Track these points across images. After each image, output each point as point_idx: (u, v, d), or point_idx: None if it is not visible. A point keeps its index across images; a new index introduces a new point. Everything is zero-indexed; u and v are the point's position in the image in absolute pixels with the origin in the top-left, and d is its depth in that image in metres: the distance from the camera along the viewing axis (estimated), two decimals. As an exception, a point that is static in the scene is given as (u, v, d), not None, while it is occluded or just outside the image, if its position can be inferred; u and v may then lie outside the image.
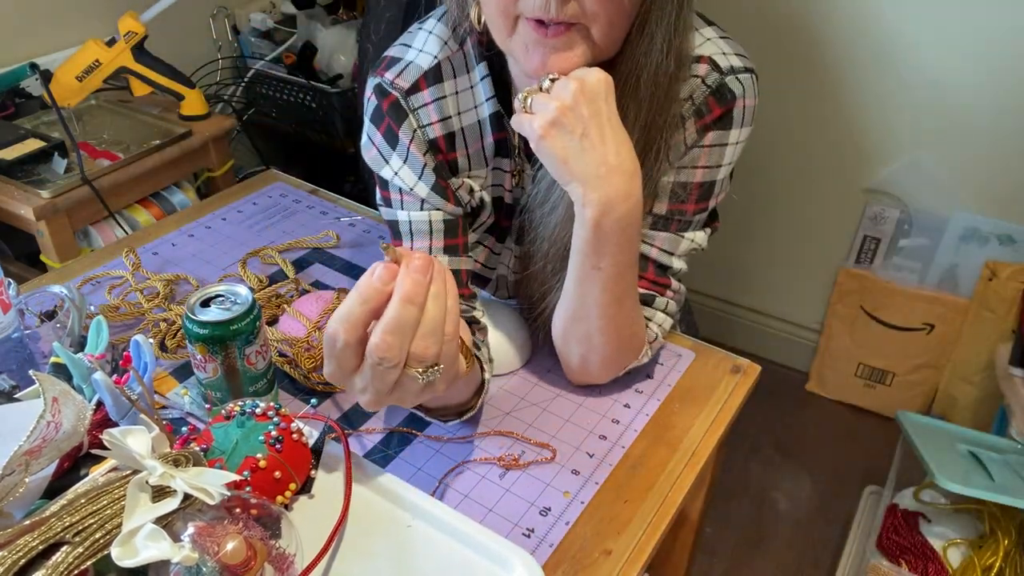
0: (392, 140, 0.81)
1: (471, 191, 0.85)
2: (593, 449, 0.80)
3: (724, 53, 0.77)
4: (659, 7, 0.69)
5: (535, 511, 0.73)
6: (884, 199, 1.85)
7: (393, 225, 0.85)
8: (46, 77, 1.47)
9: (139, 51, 1.53)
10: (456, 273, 0.83)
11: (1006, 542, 1.35)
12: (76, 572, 0.50)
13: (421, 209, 0.82)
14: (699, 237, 0.85)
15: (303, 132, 1.96)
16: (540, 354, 0.92)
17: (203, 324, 0.72)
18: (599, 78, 0.68)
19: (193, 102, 1.59)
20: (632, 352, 0.84)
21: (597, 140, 0.69)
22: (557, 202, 0.79)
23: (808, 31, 1.73)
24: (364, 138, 0.84)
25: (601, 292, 0.76)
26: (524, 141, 0.79)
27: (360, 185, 1.99)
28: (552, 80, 0.69)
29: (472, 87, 0.81)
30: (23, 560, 0.49)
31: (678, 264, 0.85)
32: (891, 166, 1.81)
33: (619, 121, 0.70)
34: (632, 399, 0.87)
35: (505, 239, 0.92)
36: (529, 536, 0.71)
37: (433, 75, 0.80)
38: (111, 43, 1.50)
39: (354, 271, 1.04)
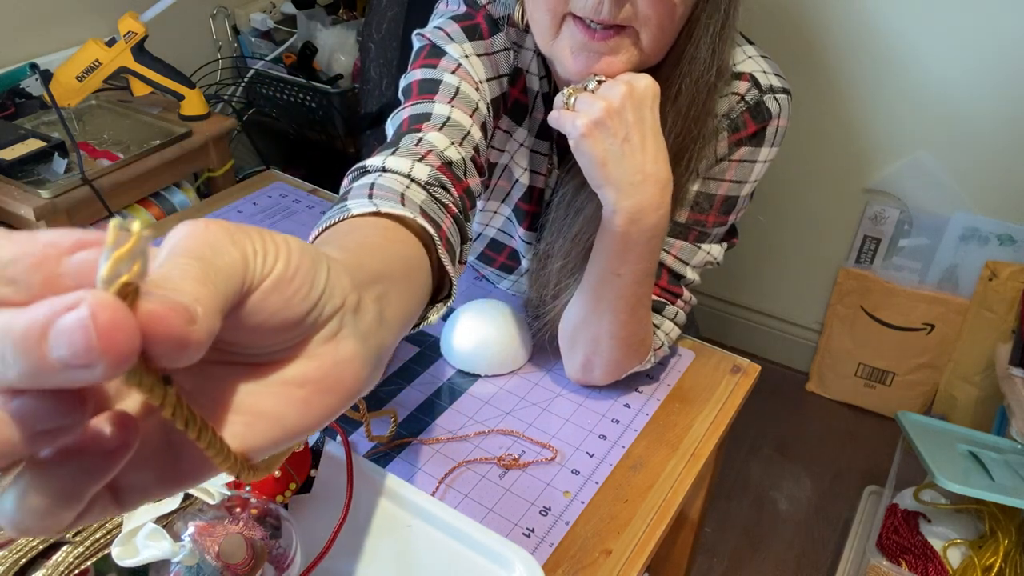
0: (474, 33, 0.76)
1: (505, 153, 0.84)
2: (593, 449, 0.80)
3: (764, 72, 0.78)
4: (707, 16, 0.68)
5: (535, 511, 0.73)
6: (884, 199, 1.85)
7: (429, 85, 0.73)
8: (46, 77, 1.47)
9: (139, 51, 1.53)
10: (476, 158, 0.72)
11: (1006, 542, 1.35)
12: (76, 571, 0.50)
13: (476, 90, 0.75)
14: (716, 251, 0.85)
15: (303, 132, 1.96)
16: (540, 354, 0.92)
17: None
18: (648, 84, 0.67)
19: (193, 102, 1.59)
20: (637, 358, 0.83)
21: (638, 147, 0.68)
22: (584, 204, 0.78)
23: (808, 31, 1.73)
24: (430, 28, 0.78)
25: (617, 298, 0.76)
26: (556, 141, 0.80)
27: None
28: (599, 82, 0.68)
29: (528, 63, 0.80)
30: (24, 559, 0.49)
31: (692, 274, 0.84)
32: (891, 166, 1.81)
33: (660, 130, 0.69)
34: (632, 399, 0.87)
35: (536, 227, 0.91)
36: (529, 536, 0.71)
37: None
38: (111, 43, 1.50)
39: (354, 271, 1.04)
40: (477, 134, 0.72)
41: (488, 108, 0.76)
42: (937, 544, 1.39)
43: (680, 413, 0.85)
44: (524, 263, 0.95)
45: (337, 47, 1.93)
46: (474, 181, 0.70)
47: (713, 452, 0.82)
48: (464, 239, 0.63)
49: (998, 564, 1.33)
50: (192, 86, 1.59)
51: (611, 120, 0.66)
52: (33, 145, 1.39)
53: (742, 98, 0.77)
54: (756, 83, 0.77)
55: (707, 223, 0.82)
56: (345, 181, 0.64)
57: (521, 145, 0.85)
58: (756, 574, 1.64)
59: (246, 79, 1.96)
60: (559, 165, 0.85)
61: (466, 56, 0.75)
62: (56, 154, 1.39)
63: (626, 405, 0.86)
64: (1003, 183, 1.71)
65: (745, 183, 0.81)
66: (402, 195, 0.56)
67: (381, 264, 0.40)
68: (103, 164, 1.42)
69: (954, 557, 1.38)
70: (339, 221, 0.49)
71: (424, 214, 0.53)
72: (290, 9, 2.02)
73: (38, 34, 1.61)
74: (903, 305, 1.89)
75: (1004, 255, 1.77)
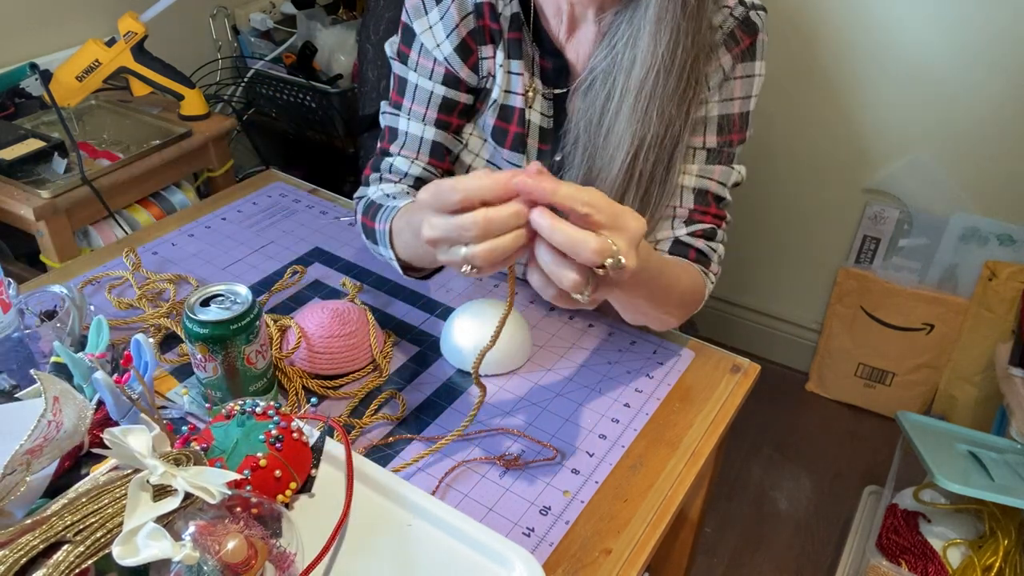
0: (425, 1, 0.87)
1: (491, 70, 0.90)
2: (593, 448, 0.80)
3: None
4: None
5: (535, 510, 0.73)
6: (884, 199, 1.85)
7: (400, 82, 0.93)
8: (46, 77, 1.47)
9: (139, 51, 1.53)
10: (439, 147, 0.93)
11: (1006, 542, 1.35)
12: (77, 571, 0.50)
13: (429, 78, 0.90)
14: (742, 170, 0.91)
15: (303, 132, 1.96)
16: (540, 354, 0.92)
17: (203, 324, 0.72)
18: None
19: (193, 102, 1.59)
20: (692, 307, 0.88)
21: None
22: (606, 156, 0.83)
23: (808, 31, 1.73)
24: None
25: (648, 305, 0.79)
26: (537, 55, 0.87)
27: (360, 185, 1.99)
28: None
29: None
30: (24, 559, 0.49)
31: (729, 196, 0.91)
32: (891, 166, 1.81)
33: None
34: (632, 399, 0.87)
35: (524, 150, 0.92)
36: (529, 535, 0.71)
37: None
38: (111, 43, 1.50)
39: (354, 271, 1.04)
40: (430, 132, 0.92)
41: (447, 71, 0.89)
42: (937, 544, 1.39)
43: (680, 413, 0.85)
44: None
45: (337, 47, 1.93)
46: (451, 144, 0.93)
47: (713, 452, 0.82)
48: None
49: (998, 564, 1.33)
50: (192, 86, 1.59)
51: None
52: (33, 145, 1.39)
53: (731, 13, 0.83)
54: None
55: (733, 141, 0.88)
56: (359, 205, 0.94)
57: (498, 66, 0.90)
58: (756, 574, 1.64)
59: (246, 79, 1.96)
60: (544, 85, 0.89)
61: (428, 28, 0.88)
62: (56, 154, 1.39)
63: (626, 405, 0.86)
64: (1003, 183, 1.71)
65: (751, 97, 0.87)
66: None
67: None
68: (103, 164, 1.42)
69: (954, 557, 1.38)
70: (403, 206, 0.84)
71: None
72: (290, 9, 2.02)
73: (38, 34, 1.61)
74: (903, 305, 1.89)
75: (1004, 255, 1.77)
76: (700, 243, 0.88)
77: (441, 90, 0.91)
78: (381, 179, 0.95)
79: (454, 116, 0.93)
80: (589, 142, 0.85)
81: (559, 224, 0.55)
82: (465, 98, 0.92)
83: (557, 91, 0.89)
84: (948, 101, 1.68)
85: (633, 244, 0.58)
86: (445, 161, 0.95)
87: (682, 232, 0.88)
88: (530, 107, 0.90)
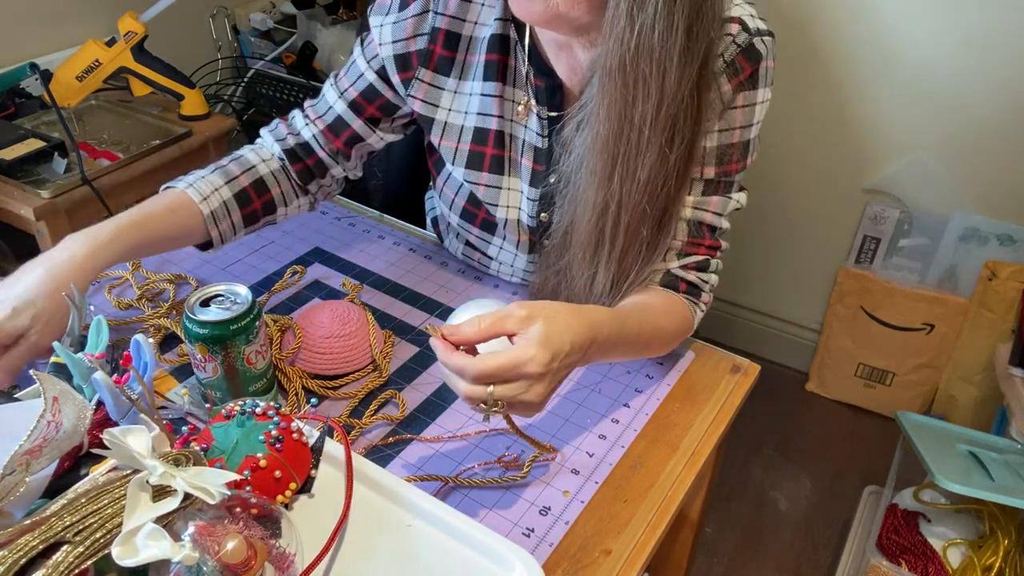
0: (386, 7, 0.90)
1: (430, 104, 0.91)
2: (593, 449, 0.80)
3: (752, 16, 0.81)
4: None
5: (535, 511, 0.73)
6: (884, 199, 1.85)
7: (350, 55, 0.95)
8: (46, 77, 1.47)
9: (139, 51, 1.53)
10: (341, 122, 0.95)
11: (1006, 542, 1.35)
12: (76, 571, 0.50)
13: (368, 61, 0.92)
14: (742, 197, 0.89)
15: (303, 132, 1.96)
16: (540, 354, 0.92)
17: (203, 324, 0.72)
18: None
19: (193, 102, 1.59)
20: (679, 341, 0.90)
21: (561, 375, 0.69)
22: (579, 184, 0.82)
23: (808, 31, 1.73)
24: None
25: (632, 357, 0.86)
26: (531, 72, 0.86)
27: (360, 185, 1.99)
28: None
29: (491, 5, 0.87)
30: (24, 559, 0.49)
31: (726, 224, 0.89)
32: (891, 166, 1.81)
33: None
34: (632, 399, 0.87)
35: (504, 171, 0.92)
36: (529, 536, 0.71)
37: None
38: (111, 43, 1.50)
39: (354, 271, 1.04)
40: (341, 105, 0.94)
41: (382, 67, 0.91)
42: (937, 544, 1.39)
43: (680, 413, 0.85)
44: (499, 215, 0.95)
45: (337, 47, 1.93)
46: (360, 129, 0.95)
47: (713, 452, 0.82)
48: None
49: (998, 564, 1.33)
50: (192, 86, 1.59)
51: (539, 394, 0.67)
52: (33, 145, 1.39)
53: (734, 40, 0.79)
54: (745, 26, 0.80)
55: (732, 171, 0.86)
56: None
57: (456, 93, 0.90)
58: (756, 574, 1.64)
59: (246, 79, 1.96)
60: (538, 104, 0.88)
61: (380, 25, 0.90)
62: (56, 154, 1.39)
63: (626, 405, 0.86)
64: (1003, 183, 1.71)
65: (752, 125, 0.85)
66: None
67: None
68: (103, 164, 1.42)
69: (954, 557, 1.37)
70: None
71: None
72: (290, 9, 2.02)
73: (38, 34, 1.61)
74: (903, 305, 1.89)
75: (1004, 255, 1.77)
76: (692, 275, 0.87)
77: (372, 77, 0.92)
78: (276, 128, 0.98)
79: (372, 106, 0.94)
80: (574, 185, 0.82)
81: (446, 359, 0.66)
82: (391, 95, 0.93)
83: (552, 113, 0.87)
84: (948, 101, 1.68)
85: (527, 388, 0.65)
86: (338, 140, 0.95)
87: (674, 264, 0.86)
88: (524, 126, 0.89)
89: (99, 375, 0.62)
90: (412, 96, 0.91)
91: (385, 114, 0.95)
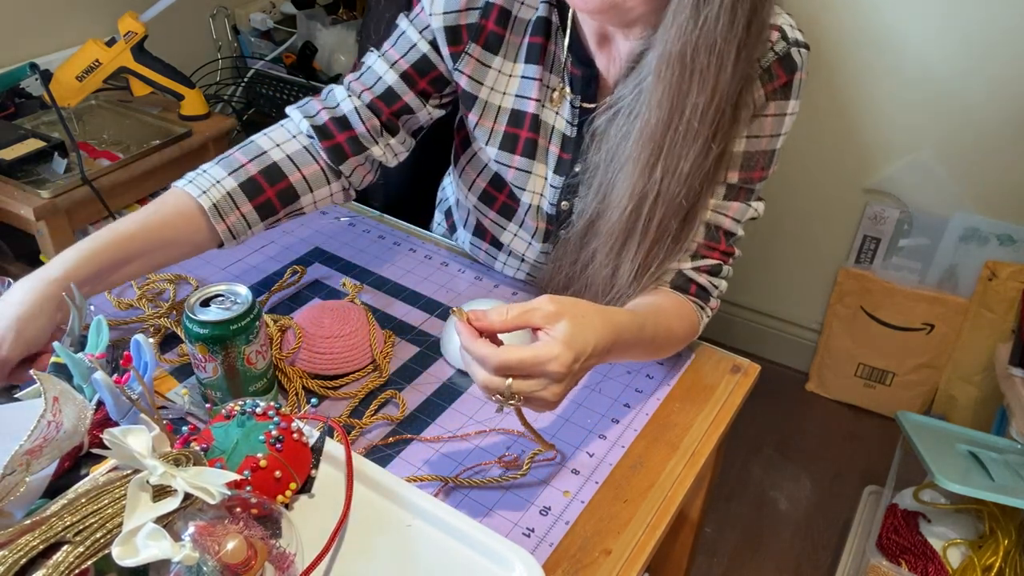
0: None
1: (474, 81, 0.89)
2: (593, 449, 0.80)
3: (791, 26, 0.82)
4: None
5: (535, 511, 0.73)
6: (884, 199, 1.85)
7: (395, 32, 0.92)
8: (46, 77, 1.47)
9: (139, 51, 1.53)
10: (392, 93, 0.90)
11: (1006, 542, 1.35)
12: (77, 571, 0.50)
13: (420, 32, 0.89)
14: (760, 207, 0.89)
15: (303, 132, 1.96)
16: (540, 354, 0.92)
17: (203, 324, 0.72)
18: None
19: (193, 102, 1.60)
20: (686, 342, 0.89)
21: (579, 374, 0.69)
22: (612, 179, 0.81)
23: (808, 31, 1.73)
24: None
25: (642, 358, 0.87)
26: (570, 60, 0.86)
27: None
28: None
29: None
30: (24, 559, 0.49)
31: (741, 232, 0.89)
32: (891, 166, 1.81)
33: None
34: (632, 399, 0.87)
35: (535, 156, 0.92)
36: (529, 536, 0.71)
37: None
38: (111, 43, 1.50)
39: (354, 271, 1.04)
40: (392, 76, 0.90)
41: (434, 38, 0.89)
42: (937, 544, 1.39)
43: (680, 413, 0.85)
44: (524, 199, 0.95)
45: (337, 47, 1.94)
46: (412, 101, 0.91)
47: (713, 452, 0.82)
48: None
49: (998, 564, 1.33)
50: (192, 86, 1.59)
51: (558, 390, 0.67)
52: (33, 145, 1.39)
53: (772, 47, 0.79)
54: (784, 35, 0.80)
55: (754, 179, 0.86)
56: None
57: (500, 73, 0.89)
58: (756, 574, 1.64)
59: (246, 79, 1.96)
60: (572, 93, 0.87)
61: None
62: (56, 154, 1.39)
63: (626, 405, 0.86)
64: (1003, 183, 1.71)
65: (779, 136, 0.85)
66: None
67: None
68: (103, 164, 1.42)
69: (954, 557, 1.38)
70: None
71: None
72: (290, 9, 2.02)
73: (38, 34, 1.61)
74: (903, 305, 1.89)
75: (1004, 255, 1.77)
76: (703, 279, 0.86)
77: (424, 47, 0.89)
78: (306, 104, 0.92)
79: (424, 80, 0.91)
80: (603, 176, 0.83)
81: (469, 345, 0.66)
82: (444, 70, 0.91)
83: (585, 104, 0.87)
84: (948, 101, 1.68)
85: (545, 386, 0.65)
86: (389, 110, 0.91)
87: (687, 265, 0.86)
88: (556, 112, 0.89)
89: (99, 375, 0.62)
90: (460, 71, 0.89)
91: (436, 89, 0.92)
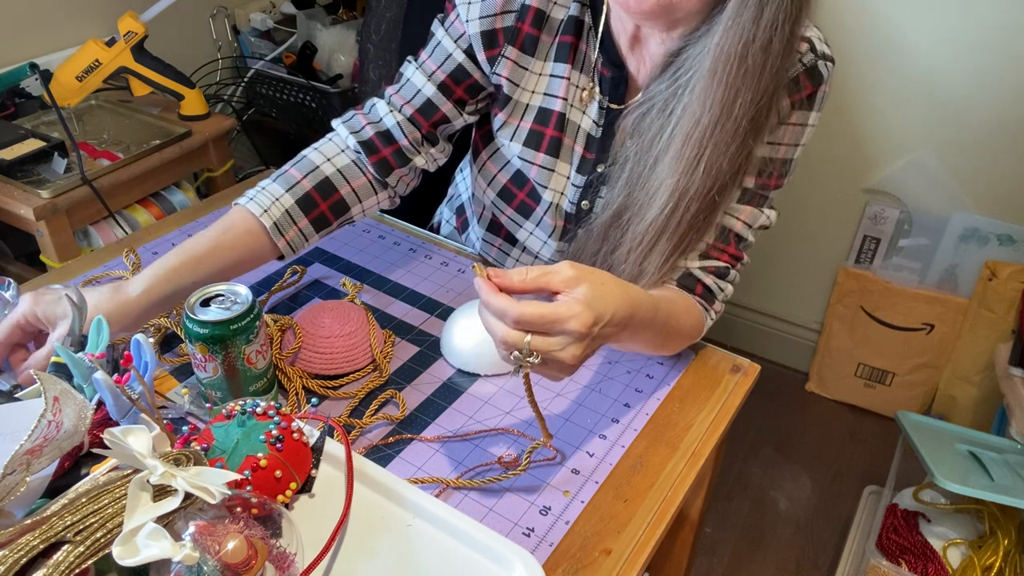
0: None
1: (514, 79, 0.90)
2: (593, 448, 0.80)
3: (819, 39, 0.82)
4: None
5: (535, 510, 0.73)
6: (884, 199, 1.85)
7: (430, 39, 0.93)
8: (46, 77, 1.47)
9: (139, 51, 1.53)
10: (431, 106, 0.92)
11: (1006, 542, 1.35)
12: (77, 571, 0.50)
13: (455, 41, 0.91)
14: (772, 215, 0.89)
15: (303, 132, 1.96)
16: (540, 354, 0.92)
17: (203, 324, 0.72)
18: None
19: (193, 102, 1.60)
20: (690, 341, 0.88)
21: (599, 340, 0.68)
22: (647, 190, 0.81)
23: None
24: None
25: (647, 350, 0.87)
26: (601, 60, 0.86)
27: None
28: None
29: None
30: (24, 559, 0.49)
31: (752, 238, 0.88)
32: (891, 166, 1.81)
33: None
34: (632, 398, 0.87)
35: (558, 154, 0.92)
36: (529, 535, 0.71)
37: None
38: (111, 43, 1.50)
39: (354, 271, 1.04)
40: (430, 88, 0.92)
41: (471, 46, 0.90)
42: (937, 544, 1.39)
43: (680, 412, 0.85)
44: (545, 197, 0.96)
45: (337, 47, 1.94)
46: (449, 111, 0.93)
47: (713, 452, 0.82)
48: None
49: (998, 564, 1.33)
50: (192, 86, 1.59)
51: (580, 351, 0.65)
52: (33, 145, 1.39)
53: (800, 58, 0.80)
54: (813, 47, 0.81)
55: (770, 186, 0.86)
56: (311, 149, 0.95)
57: (528, 71, 0.90)
58: (756, 574, 1.64)
59: (246, 79, 1.96)
60: (602, 94, 0.88)
61: (468, 3, 0.89)
62: (56, 154, 1.39)
63: (626, 405, 0.86)
64: (1003, 183, 1.71)
65: (798, 146, 0.85)
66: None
67: None
68: (103, 164, 1.42)
69: (954, 557, 1.38)
70: None
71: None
72: (290, 9, 2.02)
73: (38, 34, 1.61)
74: (903, 305, 1.89)
75: (1004, 255, 1.77)
76: (710, 279, 0.86)
77: (460, 57, 0.91)
78: (351, 119, 0.95)
79: (461, 88, 0.92)
80: (634, 172, 0.83)
81: (488, 298, 0.64)
82: (479, 76, 0.92)
83: (613, 104, 0.88)
84: (948, 101, 1.68)
85: (564, 345, 0.64)
86: (428, 123, 0.93)
87: (695, 264, 0.86)
88: (583, 112, 0.89)
89: (99, 375, 0.62)
90: (497, 74, 0.90)
91: (471, 96, 0.94)
